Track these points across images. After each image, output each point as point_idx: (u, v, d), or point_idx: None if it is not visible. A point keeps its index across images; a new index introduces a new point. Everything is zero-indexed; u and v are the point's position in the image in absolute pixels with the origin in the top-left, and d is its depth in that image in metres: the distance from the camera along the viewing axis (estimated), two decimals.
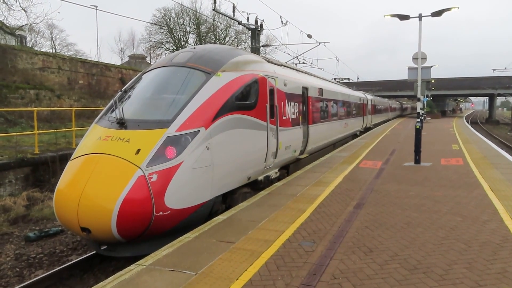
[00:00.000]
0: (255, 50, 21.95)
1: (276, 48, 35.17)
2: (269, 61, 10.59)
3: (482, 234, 5.75)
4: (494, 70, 43.59)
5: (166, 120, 6.63)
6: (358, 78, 57.11)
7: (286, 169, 11.41)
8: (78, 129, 16.68)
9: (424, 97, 31.71)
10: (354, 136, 24.11)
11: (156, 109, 7.10)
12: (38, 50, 30.40)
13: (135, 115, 6.91)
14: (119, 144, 6.28)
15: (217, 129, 6.99)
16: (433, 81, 41.65)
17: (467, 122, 49.08)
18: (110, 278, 4.60)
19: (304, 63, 25.51)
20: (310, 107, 12.99)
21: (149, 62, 54.87)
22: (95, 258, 7.57)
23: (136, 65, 47.46)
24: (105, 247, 6.33)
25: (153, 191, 5.83)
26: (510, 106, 64.81)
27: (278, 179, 10.34)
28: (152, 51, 51.49)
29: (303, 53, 24.11)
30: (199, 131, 6.63)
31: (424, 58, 13.29)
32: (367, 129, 29.35)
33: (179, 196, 6.16)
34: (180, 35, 50.32)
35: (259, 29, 21.84)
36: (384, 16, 14.12)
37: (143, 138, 6.33)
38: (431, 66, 16.22)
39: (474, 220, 6.44)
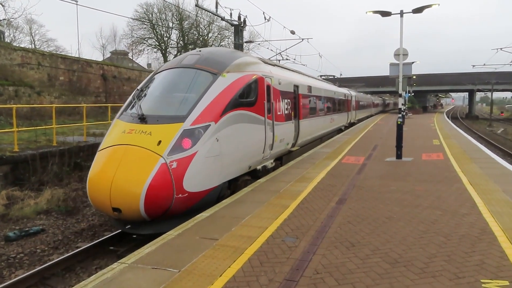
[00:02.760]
0: (238, 46, 21.89)
1: (259, 44, 35.19)
2: (265, 62, 11.60)
3: (461, 227, 5.88)
4: (473, 66, 44.34)
5: (182, 115, 7.55)
6: (341, 74, 57.54)
7: (280, 160, 12.33)
8: (59, 126, 16.40)
9: (405, 93, 32.14)
10: (340, 130, 24.85)
11: (172, 105, 8.00)
12: (17, 45, 29.71)
13: (153, 111, 7.79)
14: (142, 136, 7.20)
15: (224, 123, 7.97)
16: (414, 77, 42.23)
17: (448, 117, 49.95)
18: (92, 277, 4.55)
19: (287, 59, 25.57)
20: (301, 104, 13.93)
21: (131, 58, 54.22)
22: (78, 256, 7.48)
23: (118, 61, 46.87)
24: (129, 226, 7.16)
25: (173, 176, 6.80)
26: (489, 101, 65.94)
27: (273, 169, 11.26)
28: (134, 47, 50.92)
29: (286, 49, 24.16)
30: (210, 125, 7.61)
31: (406, 55, 13.46)
32: (351, 124, 30.12)
33: (195, 181, 7.11)
34: (163, 31, 49.85)
35: (242, 25, 21.79)
36: (366, 12, 14.25)
37: (163, 131, 7.25)
38: (413, 62, 16.48)
39: (453, 214, 6.57)
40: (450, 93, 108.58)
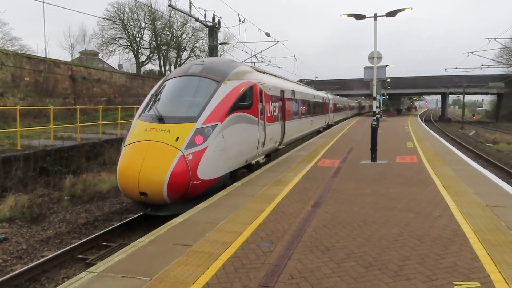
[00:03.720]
0: (213, 48, 21.84)
1: (234, 46, 35.18)
2: (257, 70, 13.62)
3: (434, 230, 6.03)
4: (445, 69, 45.75)
5: (194, 116, 9.15)
6: (316, 77, 58.14)
7: (269, 156, 14.06)
8: (24, 129, 15.92)
9: (380, 95, 32.88)
10: (318, 132, 25.96)
11: (184, 108, 9.53)
12: None
13: (169, 113, 9.28)
14: (163, 133, 8.74)
15: (228, 123, 9.59)
16: (388, 80, 43.13)
17: (422, 120, 51.22)
18: (58, 287, 4.42)
19: (262, 61, 25.67)
20: (286, 107, 15.67)
21: (102, 58, 53.22)
22: (43, 265, 7.27)
23: (88, 61, 45.91)
24: (149, 209, 8.64)
25: (190, 166, 8.33)
26: (461, 104, 68.05)
27: (264, 164, 12.87)
28: (105, 47, 49.99)
29: (261, 51, 24.26)
30: (217, 124, 9.19)
31: (380, 58, 13.73)
32: (329, 126, 31.13)
33: (206, 170, 8.64)
34: (135, 31, 49.22)
35: (216, 26, 21.75)
36: (341, 15, 14.45)
37: (179, 129, 8.81)
38: (387, 66, 16.78)
39: (427, 216, 6.73)
40: (423, 95, 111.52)
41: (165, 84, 10.59)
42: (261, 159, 12.60)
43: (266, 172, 11.18)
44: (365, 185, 9.29)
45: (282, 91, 15.23)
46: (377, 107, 14.20)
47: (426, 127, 33.10)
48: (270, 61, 27.00)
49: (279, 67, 29.22)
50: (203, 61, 11.13)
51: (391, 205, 7.51)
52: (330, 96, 33.56)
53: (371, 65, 13.89)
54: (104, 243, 8.61)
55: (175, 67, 55.08)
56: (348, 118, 48.58)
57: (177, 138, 8.57)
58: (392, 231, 6.01)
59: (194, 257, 5.10)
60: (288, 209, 7.30)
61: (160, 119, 9.08)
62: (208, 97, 9.64)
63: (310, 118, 21.92)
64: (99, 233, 9.01)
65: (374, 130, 13.11)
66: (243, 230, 6.14)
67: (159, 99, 10.04)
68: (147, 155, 8.30)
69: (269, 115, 12.86)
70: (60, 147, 14.68)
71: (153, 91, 10.54)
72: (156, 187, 8.07)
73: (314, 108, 23.77)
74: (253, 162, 11.73)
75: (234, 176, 10.39)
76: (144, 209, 8.84)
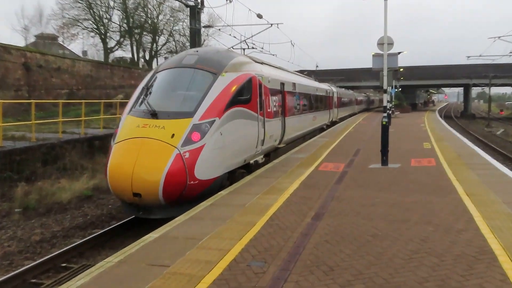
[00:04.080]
0: (195, 31, 21.78)
1: (220, 30, 35.12)
2: (256, 61, 14.08)
3: (457, 246, 6.04)
4: (468, 57, 45.88)
5: (190, 111, 9.83)
6: (317, 66, 58.30)
7: (268, 156, 14.63)
8: None
9: (392, 88, 33.07)
10: (321, 129, 26.72)
11: (180, 102, 10.31)
12: None
13: (163, 108, 9.98)
14: (157, 130, 9.41)
15: (226, 119, 10.27)
16: (401, 69, 43.29)
17: (441, 116, 51.60)
18: None
19: (253, 48, 25.61)
20: (286, 101, 16.34)
21: (62, 43, 52.81)
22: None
23: (46, 47, 45.51)
24: (141, 212, 9.31)
25: (186, 165, 9.02)
26: (486, 97, 68.26)
27: (264, 164, 13.52)
28: (66, 30, 49.53)
29: (252, 36, 24.21)
30: (215, 120, 9.86)
31: (391, 44, 13.78)
32: (333, 123, 31.99)
33: (203, 170, 9.33)
34: (102, 11, 48.96)
35: (199, 6, 21.70)
36: None
37: (175, 125, 9.51)
38: (399, 53, 16.89)
39: (447, 230, 6.75)
40: (442, 88, 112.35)
41: (156, 77, 11.34)
42: (260, 158, 13.36)
43: (258, 178, 11.17)
44: (375, 193, 9.31)
45: (282, 84, 15.98)
46: (388, 102, 14.25)
47: (445, 124, 33.36)
48: (262, 48, 26.92)
49: (273, 55, 29.11)
50: (197, 51, 12.07)
51: (405, 216, 7.52)
52: (334, 89, 34.41)
53: (381, 52, 13.94)
54: (64, 265, 8.53)
55: (150, 55, 54.97)
56: (355, 114, 49.22)
57: (173, 135, 9.29)
58: (406, 247, 6.02)
59: (172, 280, 5.05)
60: (284, 222, 7.28)
61: (154, 115, 9.77)
62: (205, 90, 10.37)
63: (312, 114, 22.82)
64: (58, 252, 8.91)
65: (385, 129, 13.16)
66: (230, 247, 6.11)
67: (150, 93, 10.77)
68: (141, 153, 9.00)
69: (268, 110, 13.52)
70: (11, 149, 14.52)
71: (143, 84, 11.30)
72: (150, 188, 8.76)
73: (317, 102, 24.61)
74: (251, 161, 12.46)
75: (232, 177, 11.06)
76: (135, 212, 9.52)
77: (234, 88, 10.84)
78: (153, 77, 11.37)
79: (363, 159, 14.20)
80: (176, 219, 7.63)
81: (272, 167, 12.80)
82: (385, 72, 13.84)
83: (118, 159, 9.24)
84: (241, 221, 7.37)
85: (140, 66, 52.44)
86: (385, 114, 13.72)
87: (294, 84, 18.27)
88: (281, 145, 16.03)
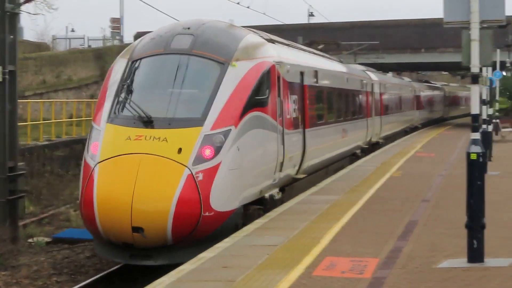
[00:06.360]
0: None
1: None
2: (268, 40, 10.66)
3: None
4: None
5: (197, 118, 8.02)
6: (311, 14, 37.75)
7: (283, 190, 11.07)
8: None
9: (493, 69, 17.91)
10: (352, 156, 17.86)
11: (180, 105, 8.31)
12: None
13: (160, 113, 8.09)
14: (156, 143, 7.67)
15: (243, 129, 8.29)
16: None
17: None
18: None
19: None
20: (307, 102, 11.90)
21: None
22: None
23: None
24: (132, 256, 7.54)
25: (200, 190, 7.37)
26: None
27: (280, 201, 10.32)
28: None
29: None
30: (230, 129, 7.99)
31: None
32: (370, 146, 20.35)
33: (220, 197, 7.66)
34: None
35: None
36: None
37: (180, 137, 7.77)
38: None
39: None
40: None
41: (136, 67, 8.98)
42: (275, 192, 10.27)
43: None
44: None
45: (302, 74, 11.80)
46: (483, 103, 7.66)
47: None
48: None
49: None
50: (189, 28, 9.17)
51: None
52: (374, 77, 20.93)
53: None
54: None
55: None
56: (413, 127, 30.13)
57: (180, 149, 7.64)
58: None
59: None
60: None
61: (148, 122, 7.98)
62: (212, 88, 8.43)
63: (342, 126, 15.50)
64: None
65: (474, 170, 6.10)
66: None
67: (133, 91, 8.57)
68: (140, 174, 7.39)
69: (288, 117, 10.49)
70: None
71: (116, 77, 8.89)
72: (157, 219, 7.21)
73: (349, 104, 16.48)
74: (266, 195, 9.74)
75: (244, 214, 8.78)
76: (125, 257, 7.80)
77: (251, 84, 8.67)
78: (130, 68, 8.89)
79: (424, 246, 7.21)
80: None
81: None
82: (475, 32, 5.94)
83: (109, 184, 7.52)
84: None
85: None
86: (476, 134, 6.36)
87: (316, 72, 12.91)
88: (300, 176, 11.64)
